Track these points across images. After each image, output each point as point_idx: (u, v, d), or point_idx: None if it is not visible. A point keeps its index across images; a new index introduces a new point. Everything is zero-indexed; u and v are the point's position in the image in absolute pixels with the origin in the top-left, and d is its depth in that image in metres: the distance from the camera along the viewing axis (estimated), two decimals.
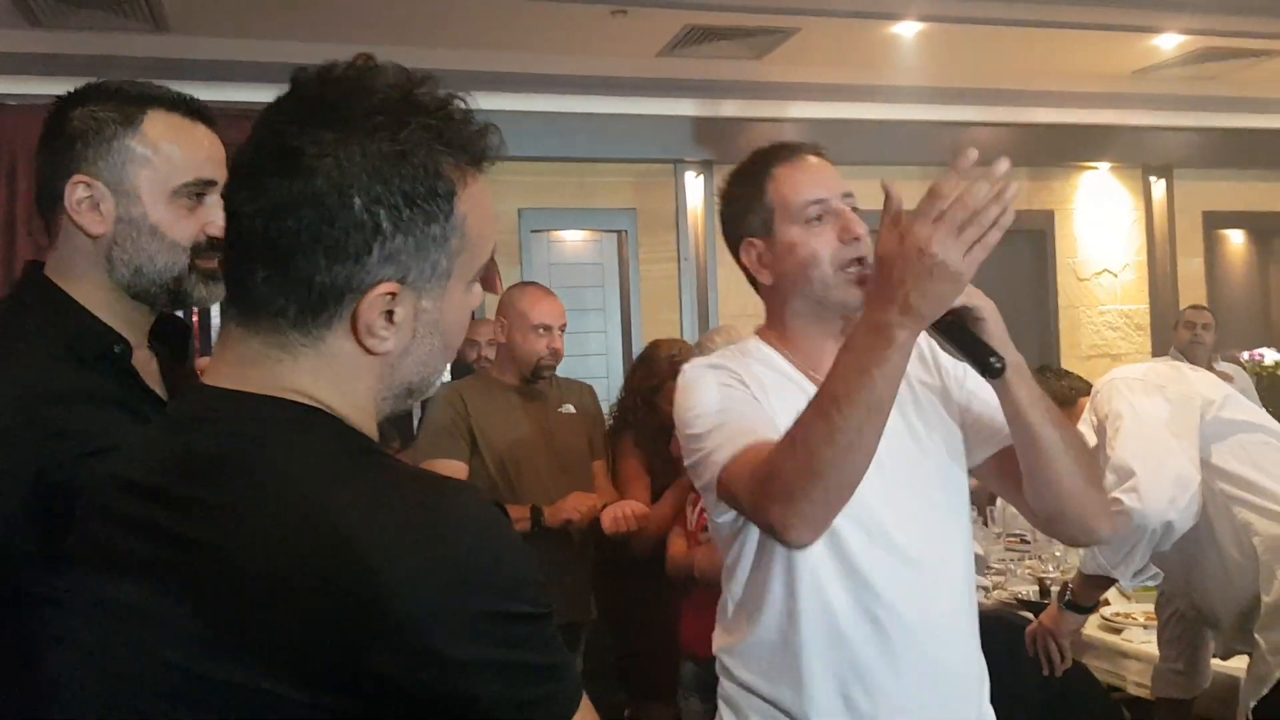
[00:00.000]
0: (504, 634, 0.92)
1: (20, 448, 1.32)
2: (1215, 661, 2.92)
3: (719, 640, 1.90)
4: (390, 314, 1.00)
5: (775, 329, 1.88)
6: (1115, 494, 2.47)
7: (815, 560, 1.73)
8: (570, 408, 3.73)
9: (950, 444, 1.83)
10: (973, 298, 1.58)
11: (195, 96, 1.55)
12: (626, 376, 4.17)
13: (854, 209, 1.81)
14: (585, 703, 0.99)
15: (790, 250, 1.80)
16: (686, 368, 1.87)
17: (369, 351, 1.01)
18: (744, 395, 1.75)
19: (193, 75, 4.58)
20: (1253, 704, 2.53)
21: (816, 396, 1.52)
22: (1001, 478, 1.83)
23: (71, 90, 1.51)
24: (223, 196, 1.02)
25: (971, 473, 1.87)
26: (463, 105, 1.03)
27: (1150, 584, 2.73)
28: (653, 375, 3.80)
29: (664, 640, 3.58)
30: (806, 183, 1.81)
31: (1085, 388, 3.11)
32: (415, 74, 1.02)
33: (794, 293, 1.82)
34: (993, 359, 1.53)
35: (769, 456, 1.58)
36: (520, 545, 0.97)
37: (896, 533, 1.73)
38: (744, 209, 1.86)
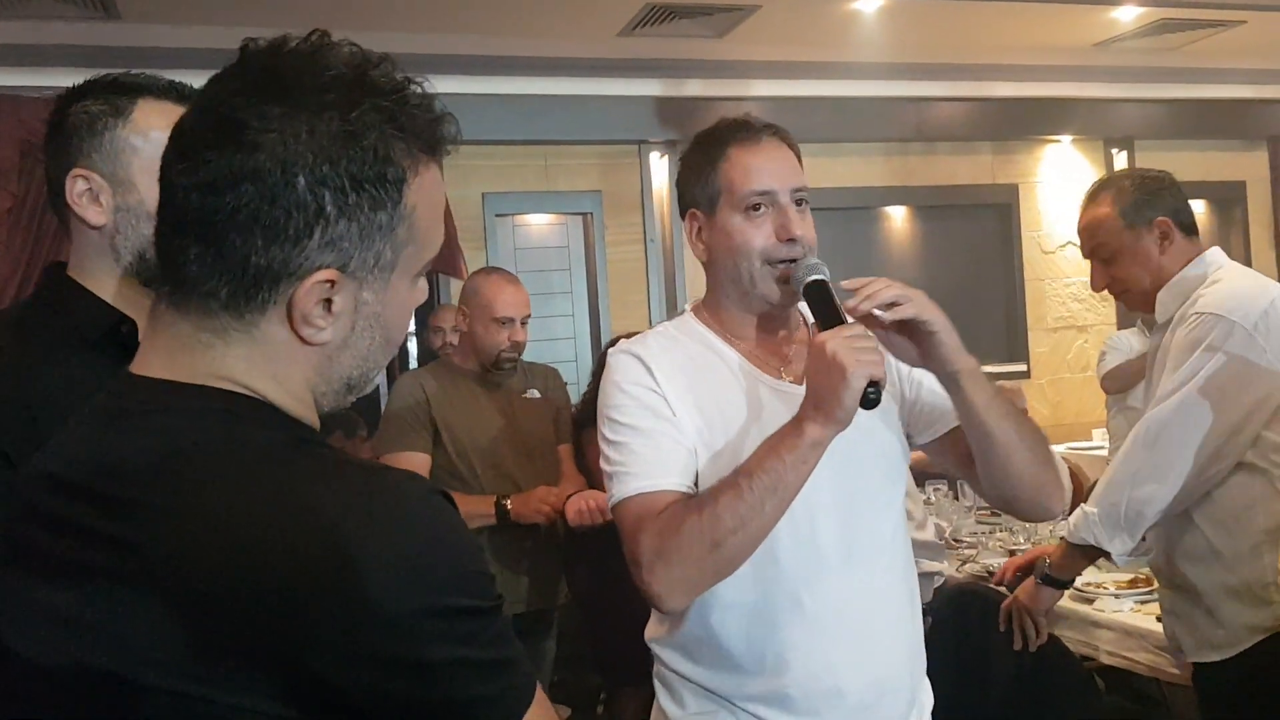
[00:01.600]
0: (452, 629, 0.89)
1: None
2: None
3: (650, 630, 1.91)
4: (329, 303, 0.95)
5: (708, 303, 1.90)
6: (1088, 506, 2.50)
7: None
8: (535, 393, 3.70)
9: (888, 422, 1.85)
10: (925, 311, 1.64)
11: (182, 84, 1.57)
12: (595, 367, 4.17)
13: (800, 203, 1.81)
14: (540, 697, 0.96)
15: (726, 235, 1.81)
16: (612, 352, 1.86)
17: (305, 341, 0.96)
18: (659, 418, 1.75)
19: (145, 63, 4.49)
20: (1195, 659, 2.51)
21: (733, 471, 1.63)
22: (948, 455, 1.90)
23: (70, 87, 1.57)
24: (161, 167, 0.97)
25: (919, 449, 1.91)
26: (419, 90, 0.99)
27: (1144, 560, 2.72)
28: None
29: (636, 624, 3.58)
30: (756, 171, 1.80)
31: None
32: (371, 54, 0.98)
33: (723, 275, 1.83)
34: (870, 390, 1.57)
35: (675, 515, 1.64)
36: (467, 536, 0.94)
37: (821, 516, 1.74)
38: (695, 180, 1.86)
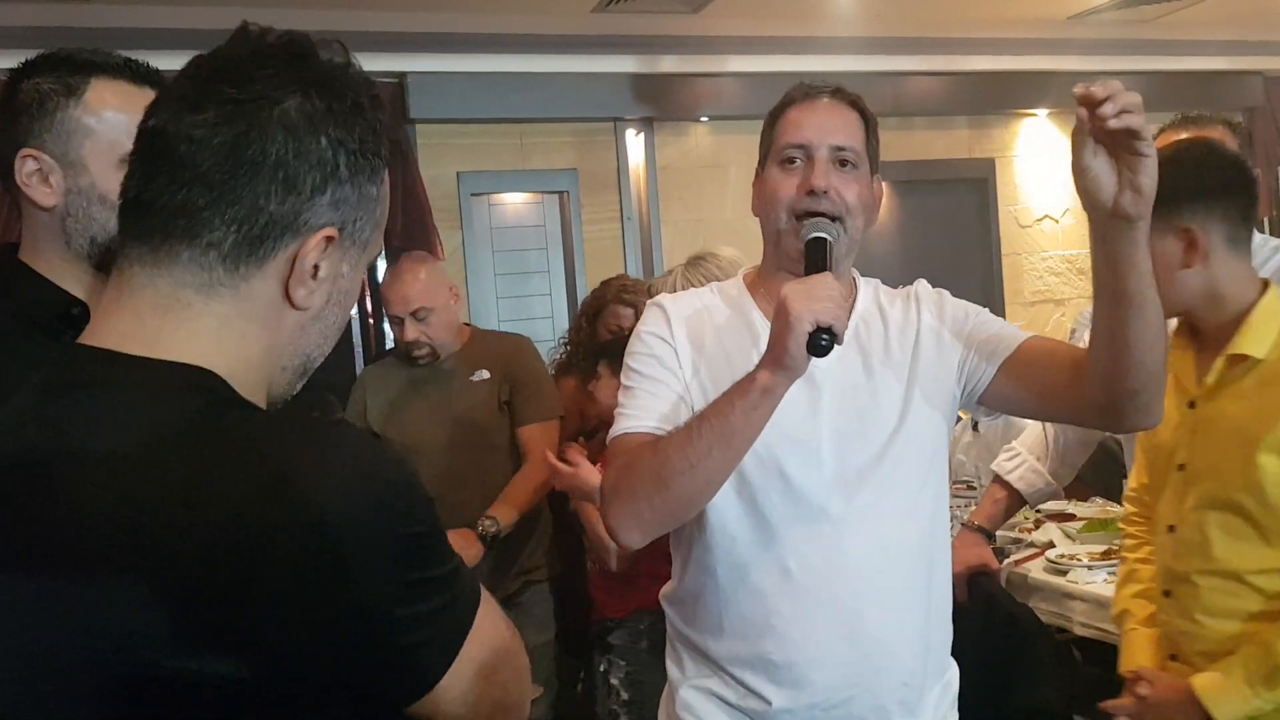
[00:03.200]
0: (411, 555, 0.93)
1: None
2: None
3: (664, 589, 1.95)
4: (316, 269, 0.99)
5: (760, 265, 1.94)
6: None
7: (725, 512, 1.74)
8: (485, 373, 3.60)
9: (929, 401, 1.81)
10: (1146, 130, 1.48)
11: (139, 61, 1.55)
12: (577, 311, 4.15)
13: (845, 163, 1.80)
14: (485, 596, 1.02)
15: (763, 187, 1.85)
16: (651, 301, 1.91)
17: (292, 304, 0.99)
18: (664, 368, 1.79)
19: (118, 44, 4.45)
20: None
21: (692, 415, 1.66)
22: (1017, 384, 1.78)
23: (21, 63, 1.52)
24: (151, 126, 0.98)
25: (983, 401, 1.84)
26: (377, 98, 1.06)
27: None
28: (598, 299, 3.86)
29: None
30: (799, 124, 1.82)
31: None
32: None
33: (764, 230, 1.87)
34: (823, 337, 1.53)
35: (636, 453, 1.68)
36: (406, 466, 0.98)
37: (820, 489, 1.73)
38: (763, 140, 1.90)
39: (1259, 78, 7.09)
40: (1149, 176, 1.47)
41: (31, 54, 1.54)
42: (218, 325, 0.97)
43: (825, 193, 1.77)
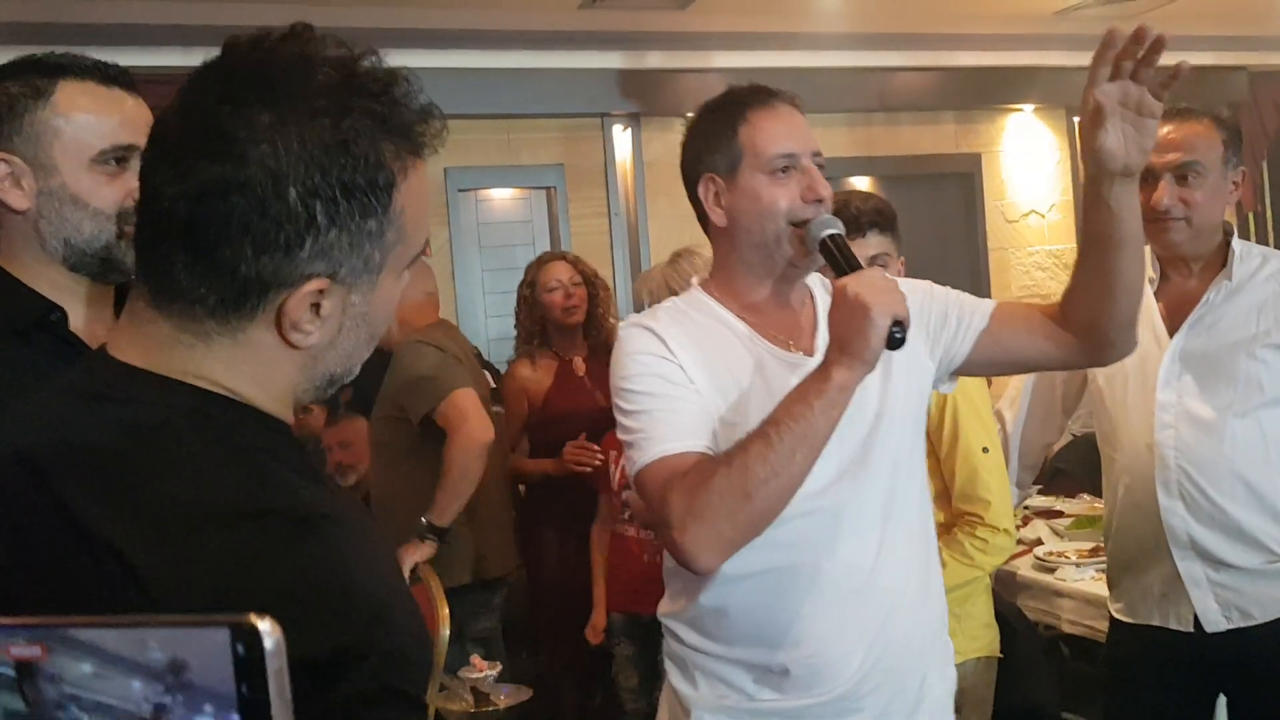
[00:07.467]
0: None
1: None
2: None
3: (664, 606, 1.92)
4: (317, 307, 0.95)
5: (717, 276, 1.90)
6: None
7: None
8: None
9: (909, 378, 1.84)
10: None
11: (113, 62, 1.54)
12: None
13: (820, 168, 1.83)
14: None
15: (752, 197, 1.81)
16: (623, 326, 1.88)
17: (292, 346, 0.96)
18: (675, 385, 1.75)
19: (110, 40, 4.43)
20: None
21: (760, 424, 1.60)
22: (999, 348, 1.89)
23: None
24: (142, 171, 0.96)
25: (962, 371, 1.92)
26: (406, 84, 0.97)
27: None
28: (529, 270, 4.02)
29: (584, 606, 3.60)
30: (780, 134, 1.82)
31: None
32: (357, 48, 0.97)
33: (744, 238, 1.83)
34: (895, 329, 1.57)
35: (704, 470, 1.62)
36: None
37: (826, 480, 1.73)
38: (711, 145, 1.86)
39: (1244, 73, 7.11)
40: (1152, 136, 1.67)
41: (14, 50, 1.54)
42: (224, 366, 0.96)
43: (824, 200, 1.80)
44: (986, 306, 1.90)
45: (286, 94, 0.92)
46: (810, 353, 1.80)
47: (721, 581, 1.74)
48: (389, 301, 1.03)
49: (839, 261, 1.70)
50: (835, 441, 1.68)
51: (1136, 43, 1.62)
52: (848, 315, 1.57)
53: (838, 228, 1.75)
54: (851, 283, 1.59)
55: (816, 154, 1.84)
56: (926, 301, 1.88)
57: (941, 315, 1.88)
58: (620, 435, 1.80)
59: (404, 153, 0.97)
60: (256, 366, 0.96)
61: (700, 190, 1.87)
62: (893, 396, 1.82)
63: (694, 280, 1.97)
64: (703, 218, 1.90)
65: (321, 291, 0.94)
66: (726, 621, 1.79)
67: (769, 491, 1.57)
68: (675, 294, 2.95)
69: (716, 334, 1.83)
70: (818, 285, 1.95)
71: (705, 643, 1.82)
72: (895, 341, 1.57)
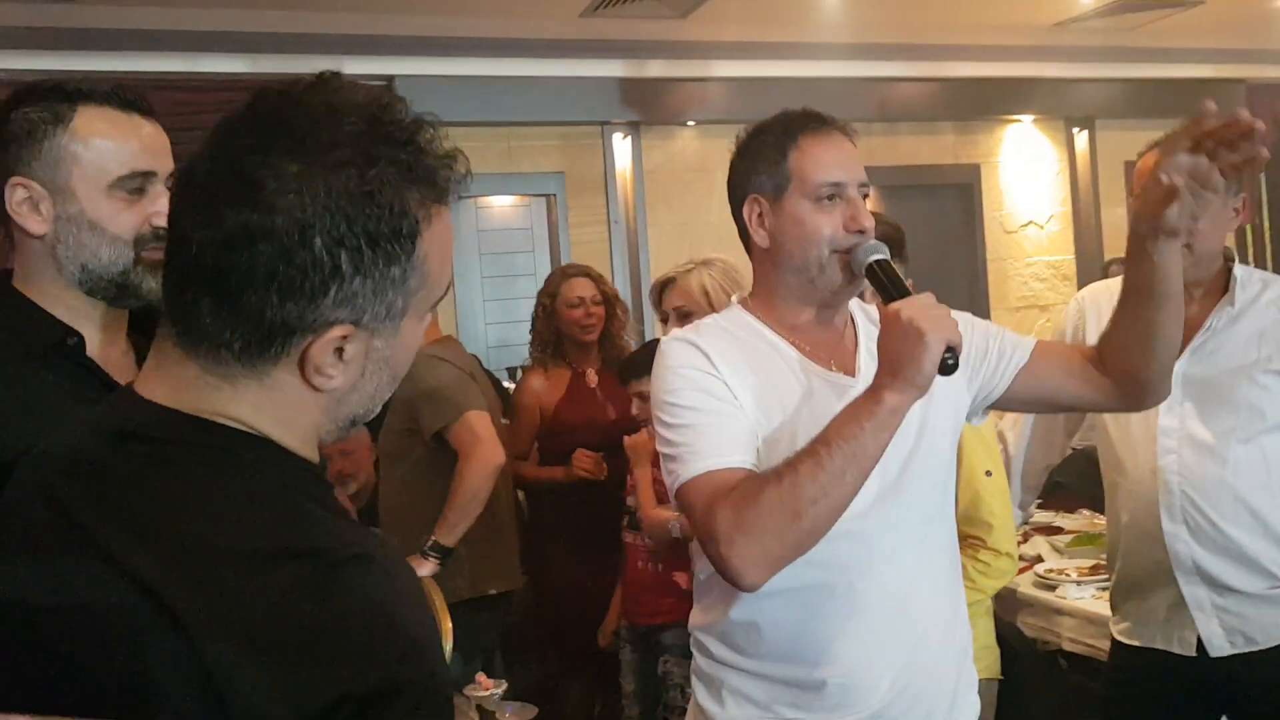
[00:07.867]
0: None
1: None
2: None
3: (695, 618, 1.92)
4: (340, 351, 0.97)
5: (758, 295, 1.91)
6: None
7: None
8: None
9: (945, 400, 1.84)
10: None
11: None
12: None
13: (865, 198, 1.85)
14: None
15: (795, 222, 1.82)
16: (665, 340, 1.88)
17: (315, 389, 0.98)
18: (720, 400, 1.75)
19: (103, 46, 4.44)
20: None
21: (809, 443, 1.60)
22: (1036, 386, 1.92)
23: (12, 92, 1.54)
24: (170, 216, 0.98)
25: (996, 405, 1.96)
26: (431, 130, 1.00)
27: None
28: (552, 281, 3.98)
29: (589, 615, 3.60)
30: (830, 162, 1.83)
31: None
32: (383, 97, 0.99)
33: (786, 262, 1.84)
34: (947, 355, 1.59)
35: (752, 487, 1.62)
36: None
37: (867, 504, 1.73)
38: (759, 166, 1.86)
39: (1242, 85, 7.13)
40: (1207, 208, 1.71)
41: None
42: (251, 407, 0.97)
43: (865, 231, 1.81)
44: (1028, 344, 1.92)
45: (314, 144, 0.93)
46: (852, 373, 1.81)
47: (754, 596, 1.73)
48: (411, 344, 1.04)
49: (886, 286, 1.71)
50: (878, 465, 1.69)
51: (1230, 129, 1.60)
52: (900, 340, 1.57)
53: (884, 253, 1.76)
54: (905, 308, 1.59)
55: (863, 185, 1.84)
56: (968, 332, 1.87)
57: (982, 348, 1.89)
58: (660, 448, 1.79)
59: (428, 200, 0.99)
60: (282, 408, 0.98)
61: (745, 210, 1.88)
62: (932, 423, 1.82)
63: (733, 299, 1.98)
64: (745, 237, 1.90)
65: (345, 337, 0.96)
66: (757, 636, 1.79)
67: (818, 511, 1.57)
68: (709, 295, 2.95)
69: (761, 353, 1.82)
70: (855, 307, 1.96)
71: (735, 657, 1.82)
72: (948, 367, 1.58)
